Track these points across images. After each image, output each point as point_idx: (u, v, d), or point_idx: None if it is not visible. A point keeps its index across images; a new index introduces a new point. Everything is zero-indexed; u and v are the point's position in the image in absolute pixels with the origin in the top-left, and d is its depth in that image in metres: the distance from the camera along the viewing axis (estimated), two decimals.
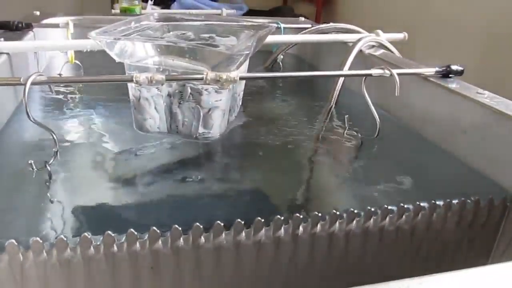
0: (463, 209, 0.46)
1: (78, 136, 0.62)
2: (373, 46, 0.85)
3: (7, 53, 0.66)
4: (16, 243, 0.36)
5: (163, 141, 0.60)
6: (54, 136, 0.51)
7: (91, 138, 0.61)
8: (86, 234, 0.37)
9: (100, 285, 0.39)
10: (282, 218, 0.41)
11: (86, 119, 0.68)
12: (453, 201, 0.46)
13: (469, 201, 0.46)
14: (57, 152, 0.52)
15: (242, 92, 0.69)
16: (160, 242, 0.39)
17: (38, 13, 1.06)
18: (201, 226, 0.39)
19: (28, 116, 0.47)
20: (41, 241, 0.36)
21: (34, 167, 0.49)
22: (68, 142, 0.60)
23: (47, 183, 0.49)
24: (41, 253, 0.36)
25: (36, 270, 0.37)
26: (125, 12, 1.53)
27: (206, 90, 0.56)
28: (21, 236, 0.39)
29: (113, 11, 1.65)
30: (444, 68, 0.64)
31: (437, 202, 0.46)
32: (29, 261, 0.36)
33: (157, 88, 0.57)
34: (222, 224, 0.40)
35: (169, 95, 0.57)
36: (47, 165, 0.50)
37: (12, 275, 0.36)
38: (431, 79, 0.64)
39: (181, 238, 0.39)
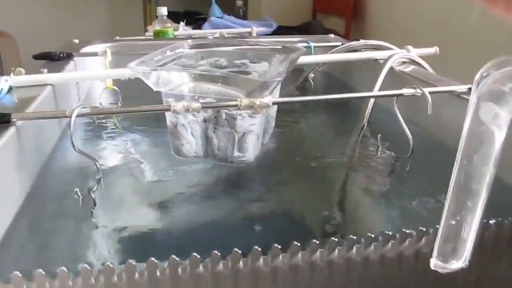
0: (500, 229, 0.46)
1: (118, 162, 0.65)
2: (404, 62, 0.85)
3: (52, 84, 0.69)
4: (66, 270, 0.38)
5: (200, 165, 0.62)
6: (97, 165, 0.53)
7: (131, 164, 0.64)
8: (131, 261, 0.39)
9: None
10: (318, 242, 0.42)
11: (125, 144, 0.70)
12: (490, 222, 0.46)
13: (506, 221, 0.46)
14: (100, 179, 0.54)
15: (275, 114, 0.70)
16: (200, 267, 0.40)
17: (77, 41, 1.11)
18: (239, 252, 0.41)
19: (74, 147, 0.50)
20: (89, 268, 0.38)
21: (80, 195, 0.51)
22: (109, 168, 0.62)
23: (91, 210, 0.52)
24: (89, 279, 0.38)
25: None
26: (158, 35, 1.58)
27: (240, 115, 0.58)
28: (68, 262, 0.41)
29: (146, 33, 1.70)
30: None
31: None
32: (78, 287, 0.38)
33: (193, 114, 0.59)
34: (260, 249, 0.41)
35: (204, 120, 0.59)
36: (91, 193, 0.53)
37: None
38: (464, 96, 0.64)
39: (220, 263, 0.41)
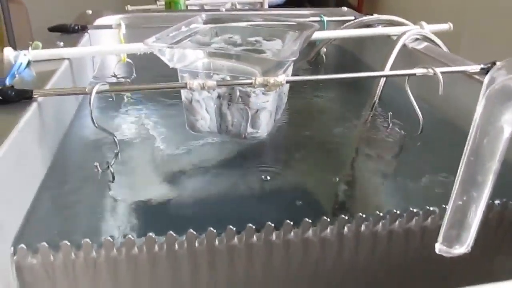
0: (504, 209, 0.47)
1: (135, 136, 0.66)
2: (417, 39, 0.85)
3: (68, 59, 0.70)
4: (90, 242, 0.40)
5: (214, 140, 0.64)
6: (116, 139, 0.55)
7: (147, 138, 0.66)
8: (150, 234, 0.41)
9: (162, 278, 0.43)
10: (328, 219, 0.44)
11: (141, 118, 0.72)
12: (495, 202, 0.47)
13: (511, 201, 0.47)
14: (117, 153, 0.56)
15: (287, 91, 0.71)
16: (216, 241, 0.42)
17: (90, 12, 1.11)
18: (253, 227, 0.43)
19: (93, 123, 0.51)
20: (112, 240, 0.41)
21: (99, 169, 0.53)
22: (126, 142, 0.64)
23: (110, 184, 0.54)
24: (111, 250, 0.41)
25: (107, 266, 0.41)
26: (170, 4, 1.57)
27: (254, 92, 0.59)
28: (89, 234, 0.44)
29: (158, 3, 1.70)
30: (489, 65, 0.64)
31: None
32: (101, 257, 0.41)
33: (207, 91, 0.60)
34: (273, 224, 0.43)
35: (219, 97, 0.61)
36: (109, 166, 0.54)
37: (87, 270, 0.41)
38: (476, 76, 0.64)
39: (235, 237, 0.43)
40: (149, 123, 0.70)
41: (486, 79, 0.21)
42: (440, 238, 0.23)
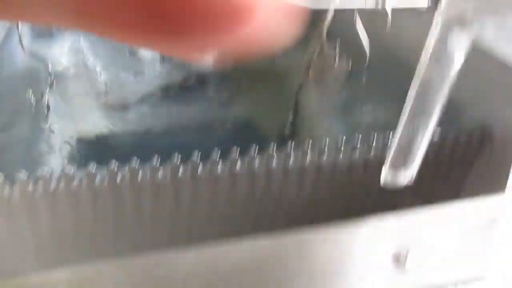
0: (444, 140, 0.49)
1: (71, 64, 0.62)
2: None
3: None
4: (27, 175, 0.38)
5: (157, 67, 0.61)
6: (50, 67, 0.51)
7: (84, 65, 0.62)
8: (90, 166, 0.39)
9: (105, 213, 0.42)
10: (273, 149, 0.44)
11: (78, 43, 0.67)
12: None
13: (449, 133, 0.49)
14: (52, 82, 0.53)
15: None
16: (161, 171, 0.41)
17: None
18: (198, 158, 0.42)
19: (23, 49, 0.47)
20: (49, 174, 0.39)
21: (33, 98, 0.50)
22: (61, 70, 0.60)
23: (46, 114, 0.51)
24: (49, 184, 0.39)
25: (45, 201, 0.40)
26: None
27: None
28: (25, 168, 0.41)
29: None
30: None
31: None
32: (39, 192, 0.39)
33: None
34: (219, 154, 0.42)
35: None
36: (44, 95, 0.51)
37: (25, 205, 0.39)
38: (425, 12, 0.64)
39: (181, 168, 0.42)
40: (86, 49, 0.66)
41: (438, 8, 0.20)
42: (385, 167, 0.23)
